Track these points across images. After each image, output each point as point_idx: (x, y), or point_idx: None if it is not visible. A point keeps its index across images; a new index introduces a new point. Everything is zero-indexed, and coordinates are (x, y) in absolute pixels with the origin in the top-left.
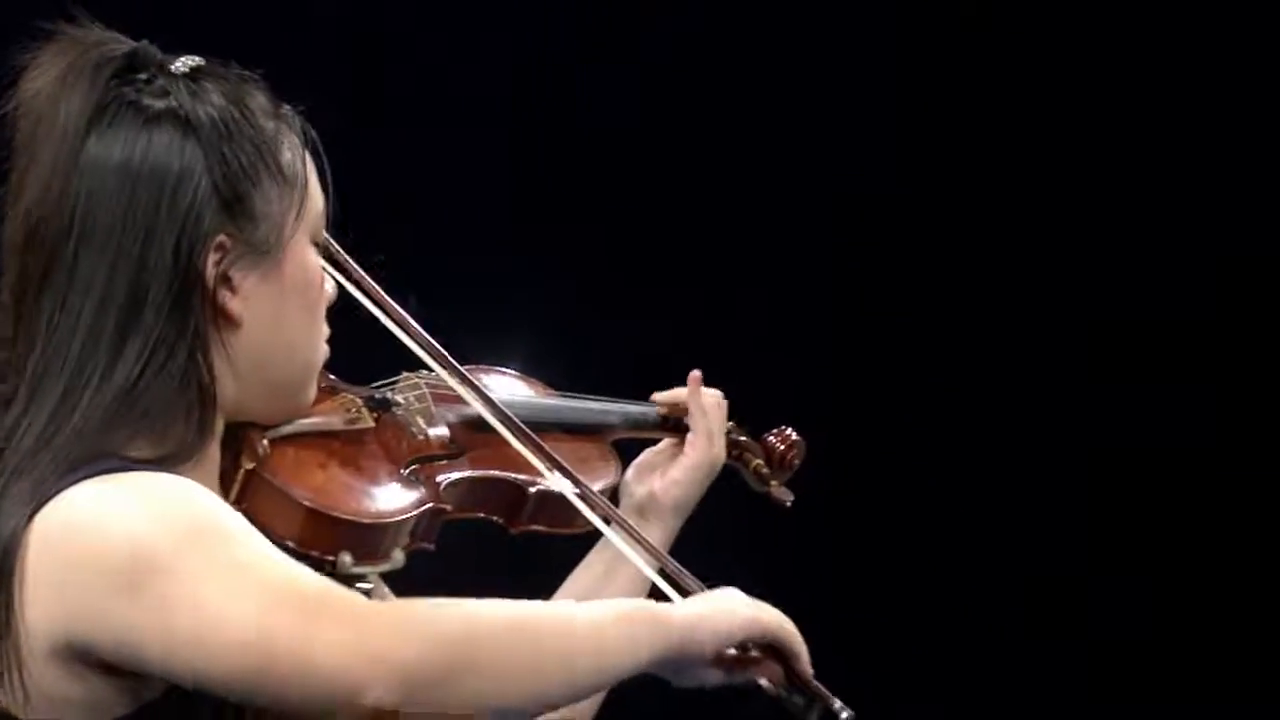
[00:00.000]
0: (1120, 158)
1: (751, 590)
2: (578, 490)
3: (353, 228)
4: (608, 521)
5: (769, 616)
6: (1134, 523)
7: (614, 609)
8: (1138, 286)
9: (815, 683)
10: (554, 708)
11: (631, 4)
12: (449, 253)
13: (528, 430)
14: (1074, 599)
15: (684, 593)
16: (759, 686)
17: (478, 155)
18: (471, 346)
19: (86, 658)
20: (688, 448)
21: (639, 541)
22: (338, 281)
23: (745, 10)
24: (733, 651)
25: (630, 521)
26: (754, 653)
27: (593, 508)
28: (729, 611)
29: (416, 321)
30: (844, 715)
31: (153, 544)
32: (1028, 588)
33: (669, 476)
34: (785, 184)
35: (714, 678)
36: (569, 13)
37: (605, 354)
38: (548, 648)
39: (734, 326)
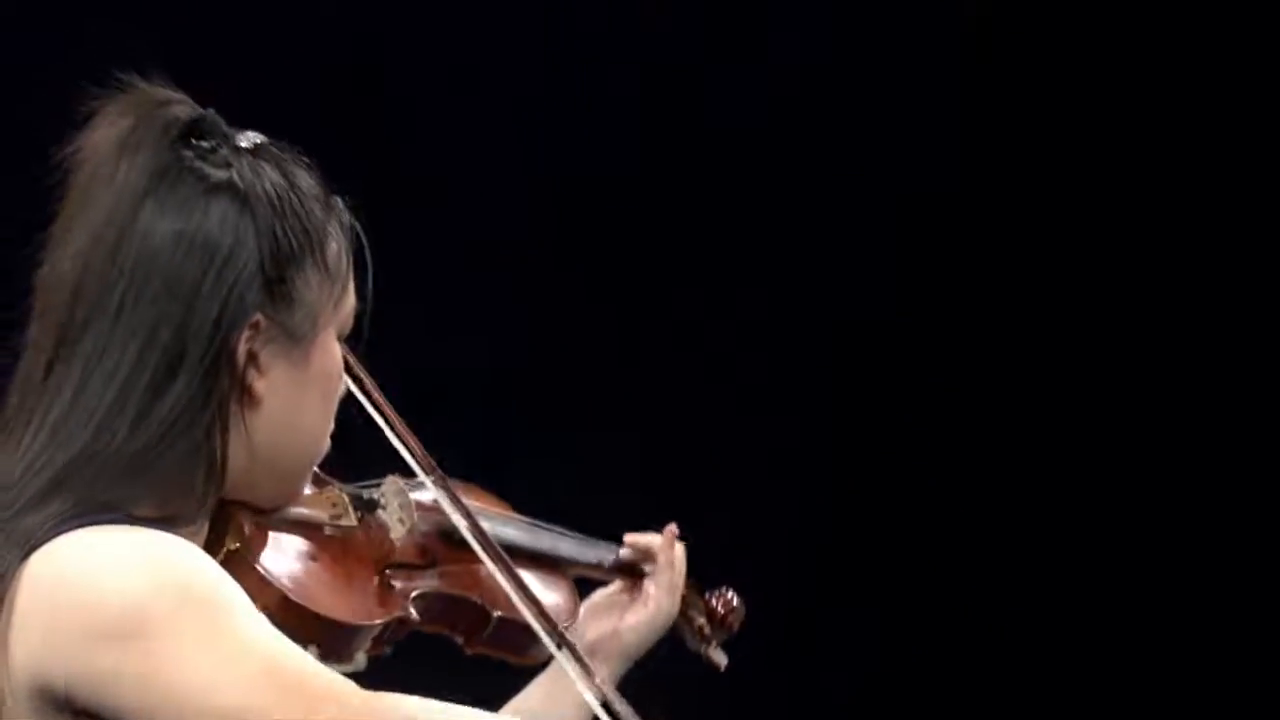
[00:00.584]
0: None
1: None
2: (547, 626)
3: None
4: (571, 657)
5: None
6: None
7: None
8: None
9: None
10: None
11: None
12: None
13: (505, 558)
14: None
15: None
16: None
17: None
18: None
19: (65, 705)
20: (650, 600)
21: (594, 681)
22: (351, 386)
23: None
24: None
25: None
26: None
27: (554, 639)
28: None
29: (410, 429)
30: None
31: (146, 601)
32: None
33: (626, 623)
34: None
35: None
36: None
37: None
38: None
39: (731, 336)
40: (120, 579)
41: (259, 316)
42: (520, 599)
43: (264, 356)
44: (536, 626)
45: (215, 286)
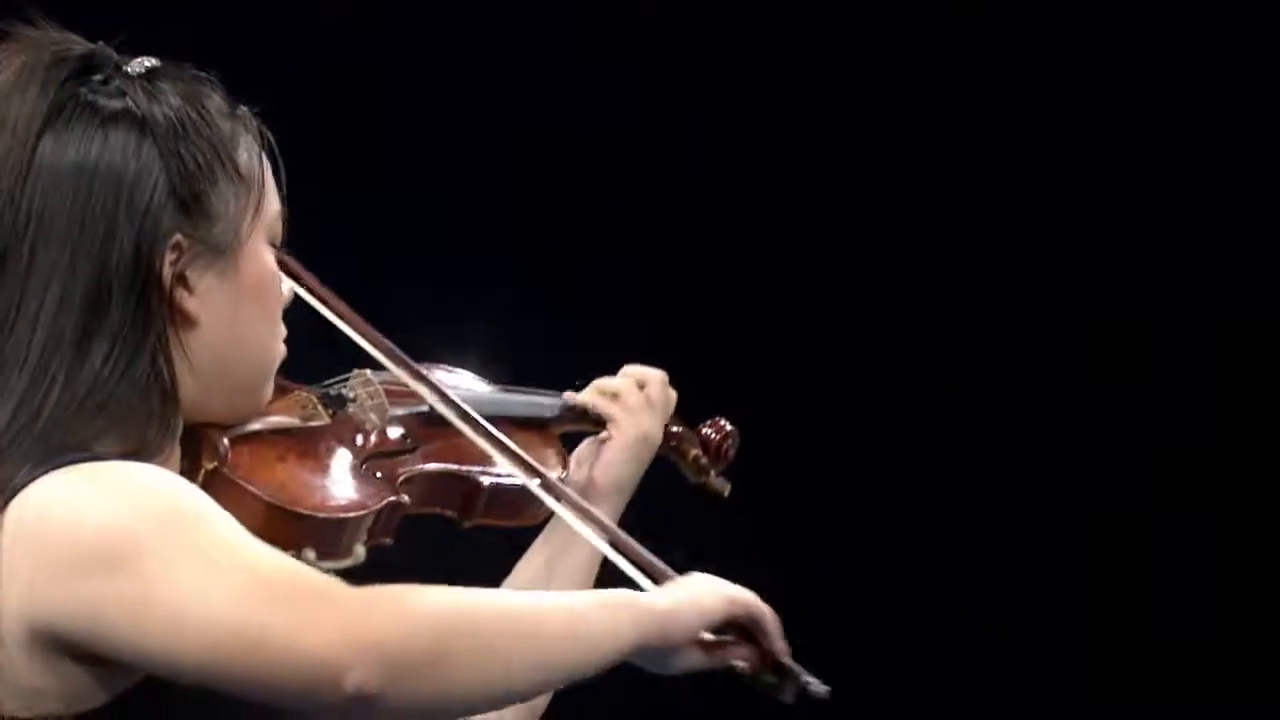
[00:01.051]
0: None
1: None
2: (537, 478)
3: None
4: (569, 508)
5: (744, 596)
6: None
7: (596, 598)
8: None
9: (789, 661)
10: (534, 695)
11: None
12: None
13: (483, 422)
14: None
15: (648, 573)
16: (734, 669)
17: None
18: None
19: (59, 646)
20: (610, 428)
21: (596, 523)
22: (295, 288)
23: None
24: (709, 636)
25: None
26: (729, 635)
27: (551, 492)
28: (706, 594)
29: (368, 320)
30: (819, 691)
31: (127, 526)
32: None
33: (602, 460)
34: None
35: (692, 663)
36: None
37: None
38: (536, 637)
39: (728, 323)
40: (101, 508)
41: (178, 237)
42: (506, 458)
43: (192, 275)
44: (529, 482)
45: (128, 215)
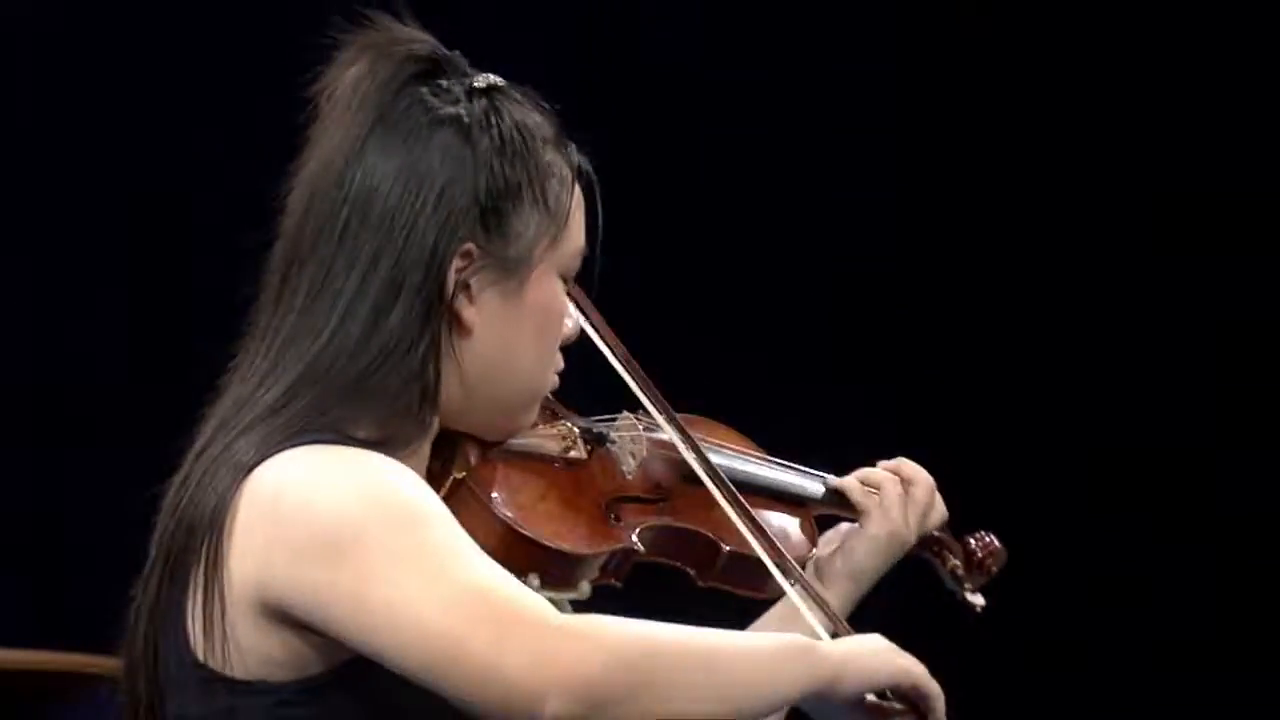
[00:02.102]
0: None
1: None
2: (775, 560)
3: None
4: (800, 591)
5: (916, 667)
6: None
7: (776, 641)
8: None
9: None
10: None
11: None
12: None
13: (736, 492)
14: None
15: (838, 623)
16: None
17: None
18: None
19: (285, 618)
20: (861, 519)
21: (825, 610)
22: (582, 324)
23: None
24: (873, 698)
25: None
26: (895, 703)
27: (786, 575)
28: (880, 656)
29: (644, 369)
30: None
31: (360, 518)
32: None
33: (846, 546)
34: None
35: (856, 718)
36: None
37: None
38: (721, 674)
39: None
40: (335, 496)
41: (470, 245)
42: (750, 532)
43: (475, 286)
44: (768, 561)
45: (432, 216)
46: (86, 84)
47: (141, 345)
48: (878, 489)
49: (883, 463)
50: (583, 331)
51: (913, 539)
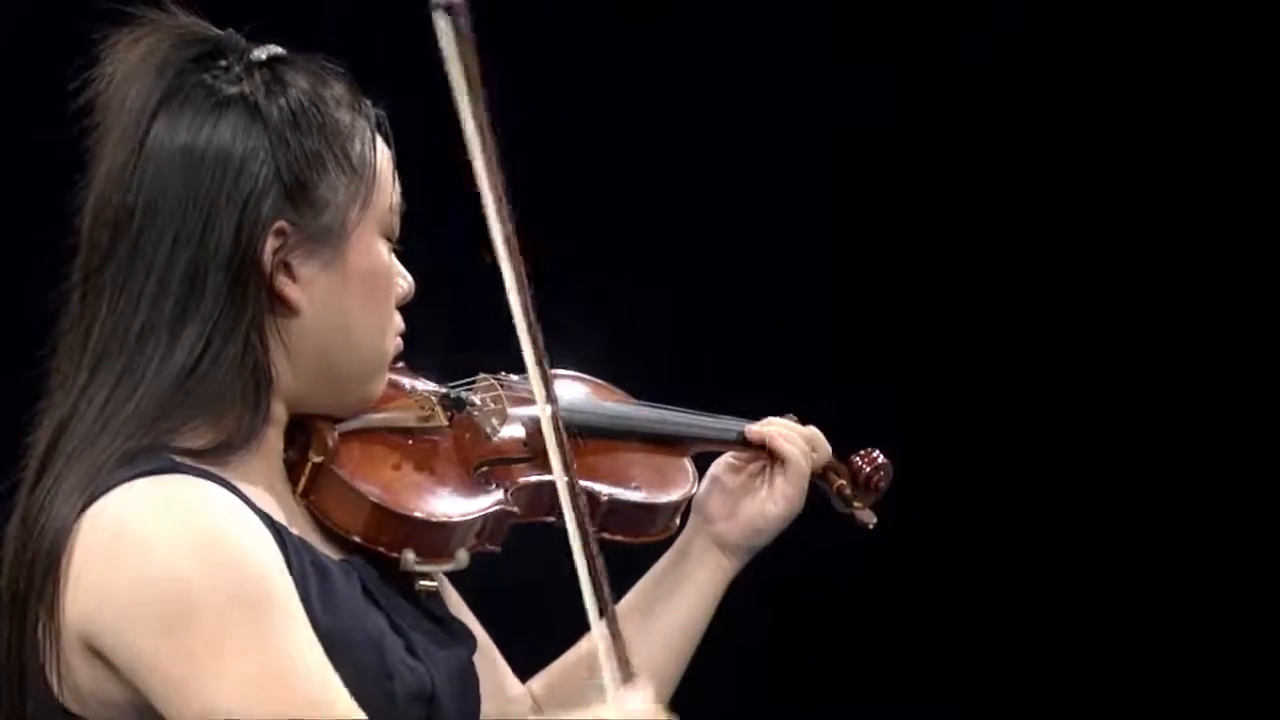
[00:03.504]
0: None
1: None
2: (573, 515)
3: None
4: (590, 572)
5: None
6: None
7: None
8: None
9: None
10: None
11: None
12: None
13: (560, 430)
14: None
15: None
16: None
17: None
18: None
19: (104, 658)
20: (779, 497)
21: (605, 603)
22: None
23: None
24: None
25: (699, 545)
26: None
27: (584, 549)
28: None
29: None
30: None
31: (195, 594)
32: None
33: (752, 522)
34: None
35: None
36: None
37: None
38: None
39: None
40: (172, 559)
41: (282, 223)
42: (561, 466)
43: (295, 263)
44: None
45: (230, 198)
46: None
47: None
48: (794, 441)
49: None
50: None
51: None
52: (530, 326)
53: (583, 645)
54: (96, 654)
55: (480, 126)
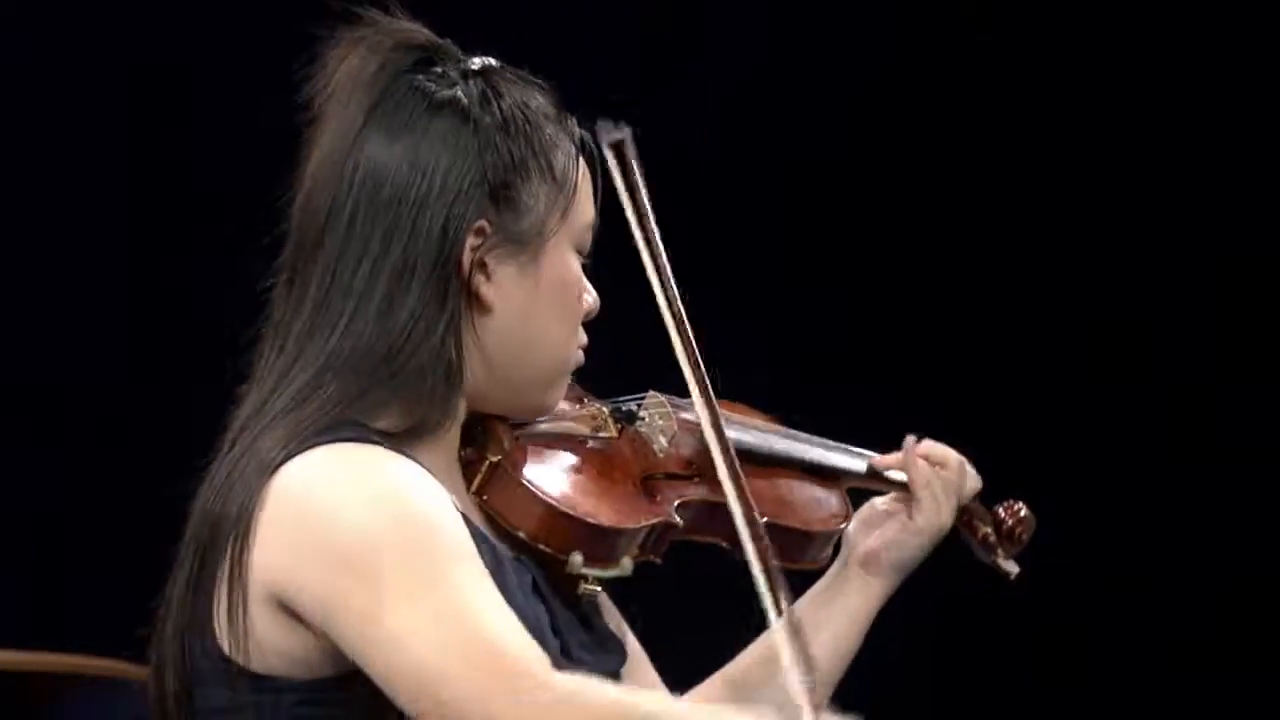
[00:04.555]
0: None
1: None
2: (755, 547)
3: None
4: (769, 585)
5: None
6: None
7: (744, 715)
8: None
9: None
10: None
11: None
12: None
13: (734, 459)
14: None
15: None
16: None
17: None
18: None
19: (293, 612)
20: (914, 512)
21: (784, 595)
22: (654, 286)
23: None
24: None
25: (849, 576)
26: None
27: (764, 569)
28: None
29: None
30: None
31: (379, 542)
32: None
33: (890, 537)
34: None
35: None
36: None
37: None
38: None
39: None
40: (361, 512)
41: (482, 222)
42: (734, 496)
43: (491, 263)
44: (748, 544)
45: (439, 197)
46: (82, 81)
47: (141, 346)
48: (929, 482)
49: (906, 449)
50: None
51: (952, 520)
52: (690, 351)
53: (755, 649)
54: (283, 607)
55: (649, 238)
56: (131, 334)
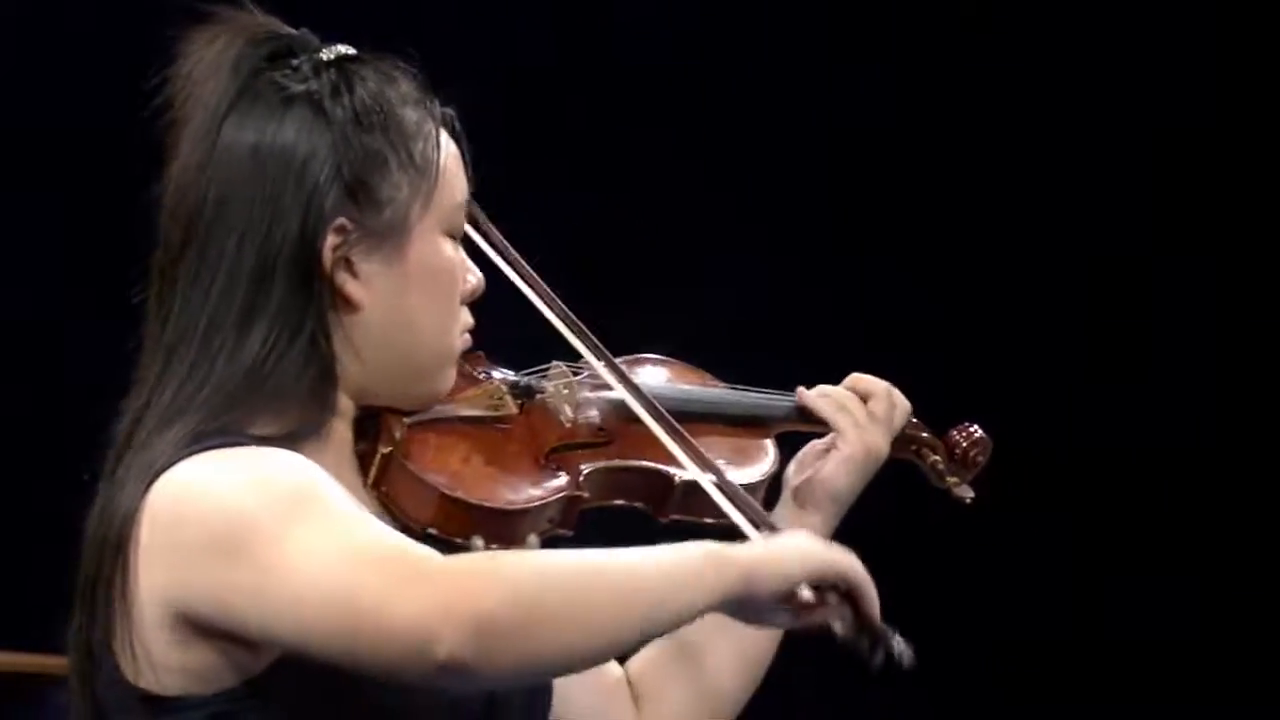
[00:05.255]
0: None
1: None
2: (715, 480)
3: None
4: (748, 519)
5: (838, 558)
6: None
7: (680, 552)
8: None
9: (881, 624)
10: (623, 651)
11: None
12: None
13: (670, 419)
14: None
15: None
16: (826, 629)
17: None
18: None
19: (192, 624)
20: (837, 440)
21: (767, 525)
22: (496, 265)
23: None
24: (806, 594)
25: (784, 514)
26: (825, 595)
27: (731, 499)
28: (796, 553)
29: (571, 310)
30: (905, 657)
31: (251, 510)
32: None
33: (822, 470)
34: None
35: (783, 620)
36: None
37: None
38: (619, 593)
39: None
40: (228, 493)
41: (342, 220)
42: (684, 452)
43: (356, 260)
44: (700, 477)
45: (295, 196)
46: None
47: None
48: (844, 406)
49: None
50: (514, 287)
51: (887, 447)
52: (571, 323)
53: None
54: (180, 623)
55: (475, 220)
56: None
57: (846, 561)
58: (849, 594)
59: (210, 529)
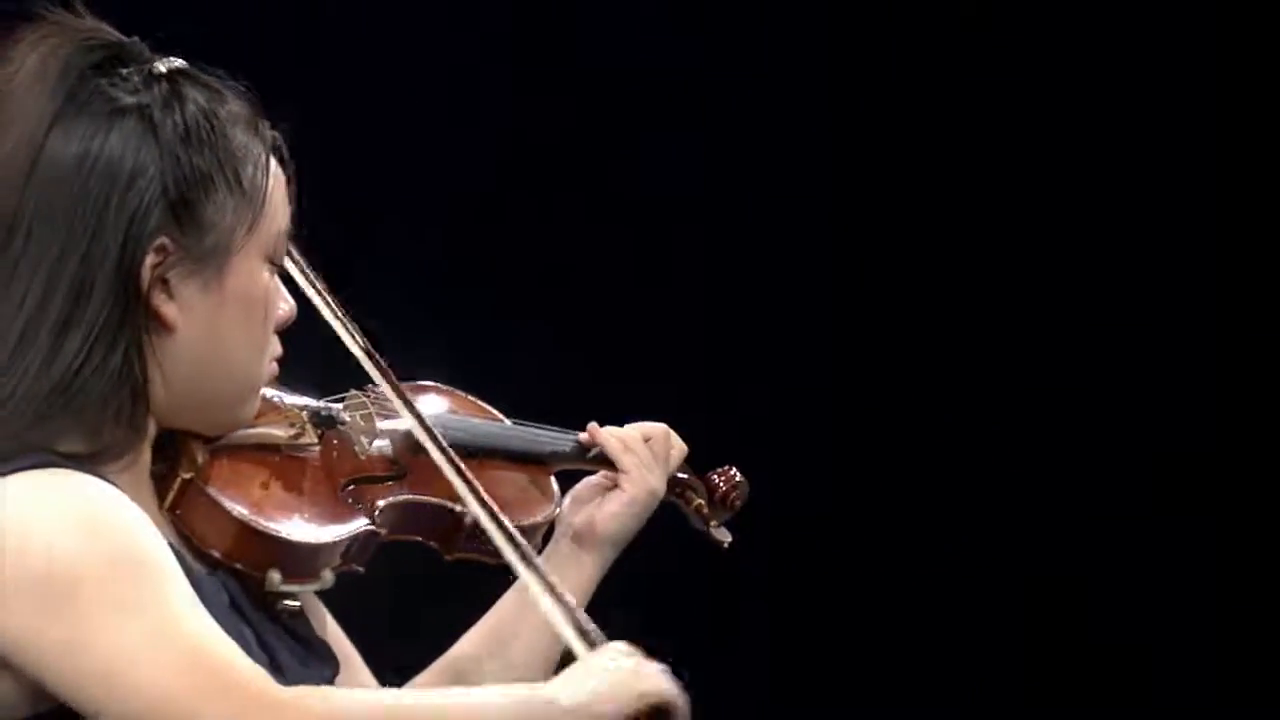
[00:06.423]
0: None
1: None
2: (497, 525)
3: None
4: (524, 560)
5: (655, 689)
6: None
7: (502, 696)
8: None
9: None
10: None
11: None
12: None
13: (454, 456)
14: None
15: (582, 635)
16: None
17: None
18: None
19: None
20: (622, 481)
21: (547, 585)
22: (298, 286)
23: None
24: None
25: (562, 553)
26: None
27: (511, 544)
28: (615, 690)
29: (364, 335)
30: None
31: (77, 562)
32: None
33: (604, 510)
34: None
35: None
36: None
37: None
38: None
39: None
40: (50, 534)
41: (163, 239)
42: (469, 495)
43: (174, 280)
44: (484, 520)
45: (118, 212)
46: None
47: None
48: (628, 447)
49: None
50: (317, 312)
51: (664, 489)
52: (360, 342)
53: (477, 630)
54: None
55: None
56: None
57: (663, 692)
58: (663, 714)
59: (29, 568)
